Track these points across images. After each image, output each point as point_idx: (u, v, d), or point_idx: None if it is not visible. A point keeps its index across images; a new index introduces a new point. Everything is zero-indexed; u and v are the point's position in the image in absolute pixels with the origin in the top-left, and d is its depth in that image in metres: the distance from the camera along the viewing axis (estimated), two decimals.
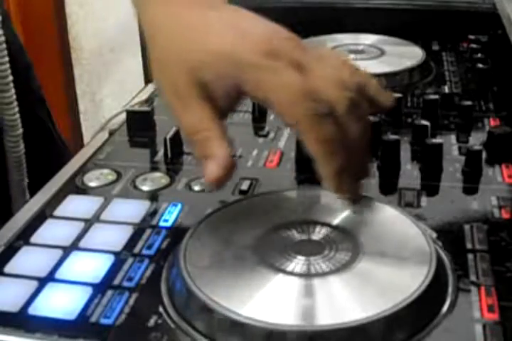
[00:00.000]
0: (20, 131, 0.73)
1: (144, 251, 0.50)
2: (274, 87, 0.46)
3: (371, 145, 0.49)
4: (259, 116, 0.72)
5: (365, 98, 0.49)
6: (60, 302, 0.45)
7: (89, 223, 0.54)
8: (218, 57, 0.47)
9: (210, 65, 0.47)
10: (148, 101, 0.77)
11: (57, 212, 0.56)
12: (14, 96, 0.70)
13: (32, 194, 0.76)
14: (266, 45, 0.47)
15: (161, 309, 0.45)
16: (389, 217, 0.51)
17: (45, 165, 0.77)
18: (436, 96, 0.71)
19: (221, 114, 0.49)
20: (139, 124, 0.69)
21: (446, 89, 0.78)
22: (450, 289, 0.46)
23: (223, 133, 0.48)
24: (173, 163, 0.63)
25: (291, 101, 0.45)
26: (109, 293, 0.46)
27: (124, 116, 0.71)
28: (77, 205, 0.57)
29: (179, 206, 0.56)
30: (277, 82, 0.46)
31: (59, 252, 0.50)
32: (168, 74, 0.49)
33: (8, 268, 0.49)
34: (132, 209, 0.56)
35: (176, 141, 0.64)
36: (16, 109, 0.71)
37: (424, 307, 0.43)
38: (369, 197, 0.52)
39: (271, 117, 0.72)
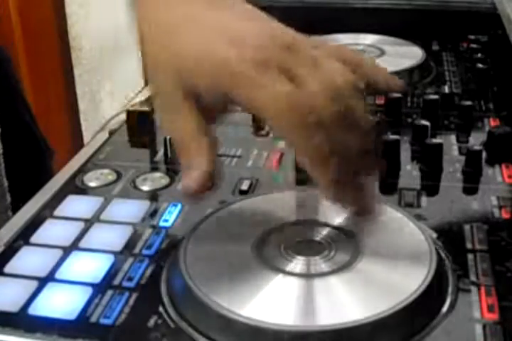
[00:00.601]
0: None
1: (144, 251, 0.50)
2: (263, 101, 0.44)
3: (376, 149, 0.48)
4: None
5: (363, 96, 0.47)
6: (60, 302, 0.45)
7: (89, 223, 0.54)
8: (209, 66, 0.45)
9: (200, 74, 0.46)
10: (148, 101, 0.77)
11: (57, 212, 0.56)
12: None
13: (13, 196, 0.76)
14: (258, 53, 0.45)
15: (161, 309, 0.45)
16: (389, 217, 0.51)
17: (25, 166, 0.76)
18: (436, 96, 0.71)
19: (211, 122, 0.48)
20: (139, 124, 0.69)
21: (446, 89, 0.78)
22: (450, 289, 0.46)
23: (210, 147, 0.46)
24: (173, 163, 0.63)
25: (279, 113, 0.44)
26: (109, 293, 0.46)
27: (124, 116, 0.71)
28: (77, 205, 0.57)
29: (179, 206, 0.56)
30: (266, 96, 0.44)
31: (59, 252, 0.50)
32: (157, 81, 0.48)
33: (8, 268, 0.49)
34: (132, 209, 0.56)
35: None
36: None
37: (424, 307, 0.43)
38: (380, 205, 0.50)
39: None
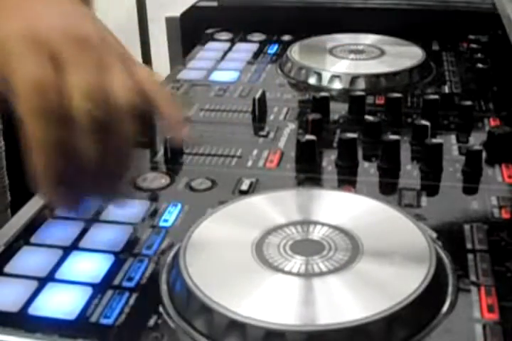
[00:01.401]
0: (0, 127, 0.72)
1: (144, 251, 0.50)
2: (18, 77, 0.43)
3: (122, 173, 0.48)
4: (259, 116, 0.72)
5: (130, 120, 0.46)
6: (60, 302, 0.45)
7: (89, 223, 0.54)
8: None
9: None
10: None
11: (57, 212, 0.56)
12: None
13: (12, 195, 0.76)
14: (40, 35, 0.44)
15: (161, 309, 0.45)
16: (389, 217, 0.51)
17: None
18: (436, 96, 0.71)
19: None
20: (139, 124, 0.68)
21: (446, 89, 0.78)
22: (450, 289, 0.46)
23: None
24: (173, 163, 0.63)
25: (26, 91, 0.42)
26: (109, 293, 0.46)
27: None
28: None
29: (179, 206, 0.56)
30: (23, 72, 0.43)
31: (59, 252, 0.50)
32: None
33: (8, 268, 0.49)
34: (132, 209, 0.55)
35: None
36: None
37: (424, 307, 0.43)
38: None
39: (271, 117, 0.72)
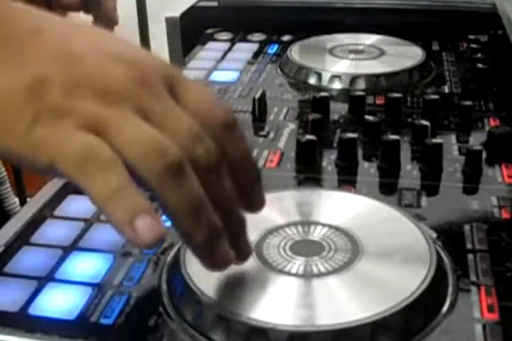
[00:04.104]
0: None
1: (144, 251, 0.50)
2: (119, 139, 0.36)
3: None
4: (259, 116, 0.72)
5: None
6: (60, 302, 0.45)
7: (89, 223, 0.54)
8: None
9: None
10: None
11: (57, 212, 0.56)
12: None
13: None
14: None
15: (161, 309, 0.45)
16: (389, 217, 0.51)
17: None
18: (436, 96, 0.71)
19: None
20: None
21: (446, 89, 0.78)
22: (450, 289, 0.46)
23: None
24: None
25: (146, 157, 0.36)
26: (109, 293, 0.46)
27: None
28: (77, 205, 0.57)
29: None
30: (124, 132, 0.36)
31: (59, 252, 0.50)
32: None
33: (8, 268, 0.49)
34: None
35: None
36: None
37: (424, 307, 0.43)
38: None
39: (271, 117, 0.72)
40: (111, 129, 0.36)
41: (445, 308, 0.44)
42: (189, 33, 0.98)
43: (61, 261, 0.49)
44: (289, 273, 0.45)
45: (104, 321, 0.44)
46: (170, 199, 0.37)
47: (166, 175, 0.36)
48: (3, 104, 0.36)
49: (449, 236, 0.51)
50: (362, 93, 0.73)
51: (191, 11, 1.00)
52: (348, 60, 0.84)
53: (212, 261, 0.40)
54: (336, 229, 0.49)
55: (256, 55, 0.91)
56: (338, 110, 0.73)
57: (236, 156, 0.40)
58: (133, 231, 0.35)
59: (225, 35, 0.98)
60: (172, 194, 0.36)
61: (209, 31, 1.00)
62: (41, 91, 0.36)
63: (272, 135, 0.68)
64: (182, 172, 0.36)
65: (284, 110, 0.74)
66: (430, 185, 0.59)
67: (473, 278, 0.47)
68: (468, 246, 0.50)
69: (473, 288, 0.46)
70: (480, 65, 0.82)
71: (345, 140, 0.62)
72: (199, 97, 0.41)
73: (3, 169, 0.81)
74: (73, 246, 0.51)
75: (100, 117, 0.36)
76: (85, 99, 0.36)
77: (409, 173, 0.61)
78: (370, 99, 0.75)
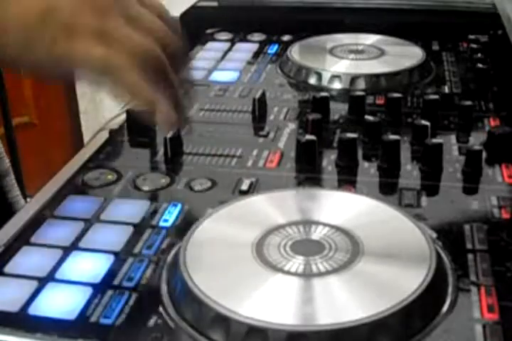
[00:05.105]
0: None
1: (144, 251, 0.50)
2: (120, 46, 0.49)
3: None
4: (259, 116, 0.72)
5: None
6: (60, 302, 0.45)
7: (89, 223, 0.54)
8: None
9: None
10: None
11: (57, 212, 0.56)
12: None
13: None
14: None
15: (161, 309, 0.45)
16: (389, 217, 0.51)
17: None
18: (436, 96, 0.71)
19: None
20: (139, 124, 0.69)
21: (446, 89, 0.78)
22: (450, 289, 0.46)
23: None
24: (173, 163, 0.63)
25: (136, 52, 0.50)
26: (109, 293, 0.46)
27: (124, 116, 0.71)
28: (77, 205, 0.57)
29: (179, 206, 0.56)
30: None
31: (59, 252, 0.50)
32: None
33: (8, 268, 0.49)
34: (132, 209, 0.56)
35: (176, 141, 0.64)
36: None
37: (424, 307, 0.43)
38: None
39: (271, 117, 0.72)
40: (114, 38, 0.49)
41: (445, 308, 0.44)
42: (189, 33, 0.98)
43: (61, 261, 0.49)
44: (289, 273, 0.45)
45: (104, 321, 0.44)
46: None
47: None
48: (25, 21, 0.48)
49: (449, 236, 0.51)
50: (362, 93, 0.73)
51: (191, 11, 1.00)
52: (348, 60, 0.84)
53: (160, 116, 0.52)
54: (337, 228, 0.50)
55: (256, 55, 0.91)
56: (338, 110, 0.73)
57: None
58: (163, 106, 0.51)
59: (225, 35, 0.98)
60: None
61: (209, 31, 1.00)
62: (54, 14, 0.48)
63: (271, 135, 0.68)
64: (159, 58, 0.51)
65: (284, 110, 0.74)
66: (430, 185, 0.59)
67: (473, 278, 0.47)
68: (468, 246, 0.50)
69: (473, 288, 0.46)
70: (480, 65, 0.82)
71: (345, 140, 0.62)
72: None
73: (7, 160, 0.81)
74: (73, 246, 0.51)
75: (104, 28, 0.49)
76: (87, 16, 0.49)
77: (409, 173, 0.61)
78: (370, 99, 0.75)
